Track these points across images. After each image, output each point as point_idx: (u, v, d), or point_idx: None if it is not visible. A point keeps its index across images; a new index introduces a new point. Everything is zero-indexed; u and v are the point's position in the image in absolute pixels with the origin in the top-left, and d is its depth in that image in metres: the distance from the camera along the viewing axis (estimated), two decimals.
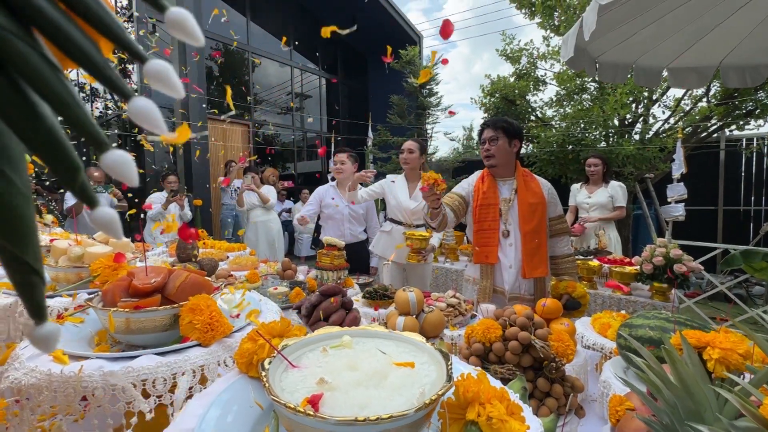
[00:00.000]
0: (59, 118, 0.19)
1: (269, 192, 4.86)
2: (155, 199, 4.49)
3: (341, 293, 1.30)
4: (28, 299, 0.19)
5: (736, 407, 0.54)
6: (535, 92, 6.80)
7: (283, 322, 0.66)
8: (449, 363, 0.51)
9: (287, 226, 7.18)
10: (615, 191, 3.59)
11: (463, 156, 9.27)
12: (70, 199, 4.16)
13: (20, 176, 0.18)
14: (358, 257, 2.90)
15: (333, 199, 2.99)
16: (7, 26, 0.16)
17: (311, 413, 0.42)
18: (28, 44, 0.17)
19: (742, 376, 0.73)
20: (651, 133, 5.77)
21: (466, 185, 2.04)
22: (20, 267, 0.18)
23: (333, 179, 3.19)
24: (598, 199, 3.61)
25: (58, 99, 0.17)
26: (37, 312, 0.20)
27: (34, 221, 0.19)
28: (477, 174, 2.05)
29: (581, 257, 2.91)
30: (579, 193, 3.78)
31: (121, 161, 0.19)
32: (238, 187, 4.97)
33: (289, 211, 7.32)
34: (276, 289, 1.68)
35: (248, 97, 8.09)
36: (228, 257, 2.46)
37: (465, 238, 3.74)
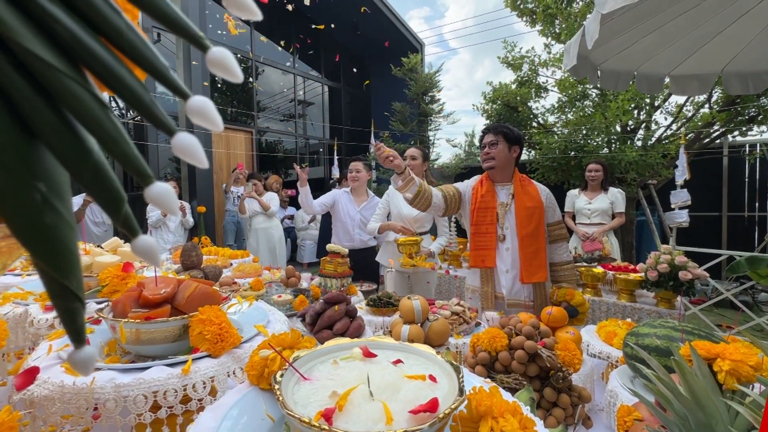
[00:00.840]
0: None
1: (272, 199, 4.89)
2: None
3: (345, 301, 1.30)
4: (69, 324, 0.20)
5: (747, 420, 0.54)
6: (536, 99, 6.82)
7: (294, 333, 0.67)
8: (461, 376, 0.51)
9: (290, 232, 7.20)
10: (615, 197, 3.61)
11: (466, 162, 9.29)
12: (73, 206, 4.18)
13: (67, 208, 0.19)
14: (365, 263, 2.90)
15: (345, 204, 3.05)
16: (62, 68, 0.17)
17: (326, 427, 0.43)
18: (80, 84, 0.18)
19: (751, 388, 0.73)
20: (653, 139, 5.77)
21: (465, 184, 2.07)
22: (64, 294, 0.19)
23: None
24: (599, 205, 3.61)
25: (107, 136, 0.18)
26: (78, 336, 0.20)
27: (77, 250, 0.20)
28: (476, 177, 2.07)
29: (585, 264, 2.90)
30: (578, 199, 3.79)
31: (164, 194, 0.20)
32: (240, 195, 5.02)
33: (291, 217, 7.35)
34: (280, 297, 1.68)
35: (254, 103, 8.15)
36: (231, 264, 2.46)
37: (467, 245, 3.74)
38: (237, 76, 0.21)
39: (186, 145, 0.20)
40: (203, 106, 0.20)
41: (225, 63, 0.20)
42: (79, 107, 0.18)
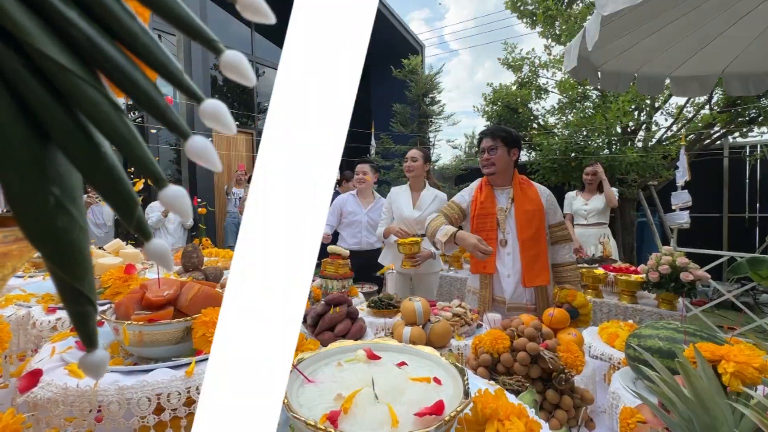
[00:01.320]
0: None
1: None
2: (155, 207, 4.55)
3: (347, 303, 1.30)
4: (82, 328, 0.20)
5: (752, 422, 0.54)
6: (537, 100, 6.83)
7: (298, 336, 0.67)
8: (465, 378, 0.51)
9: None
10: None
11: (466, 163, 9.30)
12: None
13: (79, 211, 0.19)
14: (370, 264, 2.90)
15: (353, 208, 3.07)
16: (77, 72, 0.17)
17: (331, 430, 0.43)
18: (95, 88, 0.18)
19: (754, 389, 0.73)
20: (654, 140, 5.78)
21: (467, 195, 2.05)
22: (77, 298, 0.19)
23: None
24: (595, 205, 3.66)
25: (122, 139, 0.18)
26: (90, 340, 0.20)
27: (89, 253, 0.20)
28: (476, 183, 2.06)
29: (586, 266, 2.90)
30: (575, 201, 3.84)
31: (178, 196, 0.20)
32: (242, 196, 5.02)
33: None
34: None
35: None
36: None
37: None
38: (250, 79, 0.21)
39: (200, 148, 0.20)
40: (217, 110, 0.20)
41: (239, 66, 0.20)
42: (94, 110, 0.18)
